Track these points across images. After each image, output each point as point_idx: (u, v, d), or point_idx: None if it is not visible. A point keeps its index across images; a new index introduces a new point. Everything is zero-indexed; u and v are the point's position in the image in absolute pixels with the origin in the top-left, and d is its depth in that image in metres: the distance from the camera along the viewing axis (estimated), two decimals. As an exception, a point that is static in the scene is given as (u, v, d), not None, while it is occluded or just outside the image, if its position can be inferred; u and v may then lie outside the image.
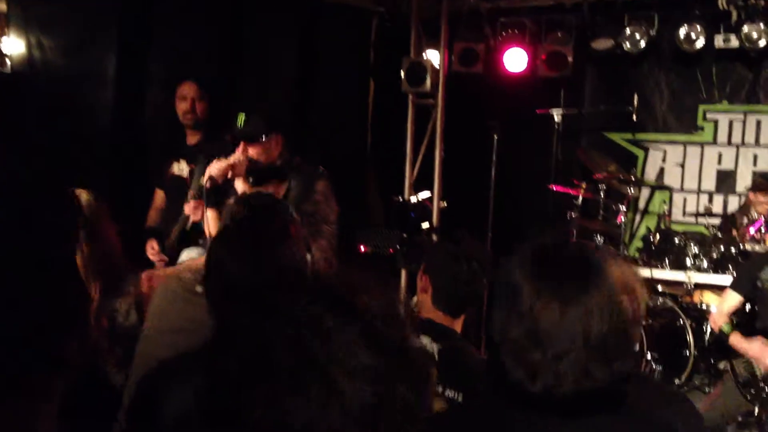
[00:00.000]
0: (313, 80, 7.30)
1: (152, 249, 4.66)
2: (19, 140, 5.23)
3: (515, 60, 7.07)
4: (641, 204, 7.11)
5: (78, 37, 5.66)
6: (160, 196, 5.12)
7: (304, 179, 4.00)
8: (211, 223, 3.79)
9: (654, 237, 6.24)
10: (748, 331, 4.46)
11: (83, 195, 2.98)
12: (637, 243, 6.96)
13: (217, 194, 3.85)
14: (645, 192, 7.12)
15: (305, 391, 1.06)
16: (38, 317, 1.63)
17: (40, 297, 1.64)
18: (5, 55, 5.34)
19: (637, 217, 7.15)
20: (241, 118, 3.94)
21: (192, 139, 5.08)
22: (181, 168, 5.02)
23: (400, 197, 7.08)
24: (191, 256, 4.23)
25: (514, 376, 1.61)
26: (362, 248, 7.18)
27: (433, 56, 7.05)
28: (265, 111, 4.19)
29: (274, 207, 2.94)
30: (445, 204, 7.04)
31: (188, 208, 4.37)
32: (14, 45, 5.32)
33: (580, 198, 6.50)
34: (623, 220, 6.29)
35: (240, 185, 3.92)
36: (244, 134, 3.98)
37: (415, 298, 3.13)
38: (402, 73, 6.84)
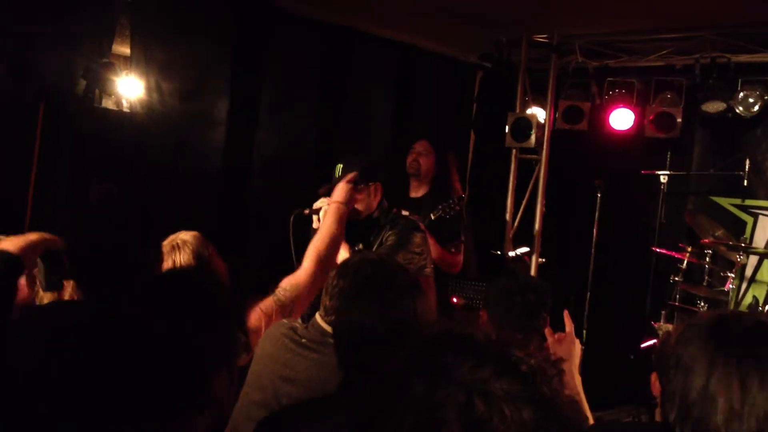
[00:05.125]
0: (410, 130, 7.34)
1: None
2: (129, 178, 5.41)
3: (621, 119, 6.99)
4: (748, 272, 6.85)
5: (194, 82, 5.85)
6: None
7: (401, 231, 3.94)
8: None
9: (764, 307, 6.02)
10: None
11: (188, 236, 2.93)
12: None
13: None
14: (753, 260, 6.86)
15: None
16: (193, 359, 1.65)
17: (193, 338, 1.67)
18: (123, 96, 5.53)
19: (743, 285, 6.89)
20: (339, 168, 3.87)
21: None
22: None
23: (498, 251, 7.02)
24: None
25: None
26: (455, 300, 7.13)
27: (536, 112, 7.02)
28: (363, 160, 4.05)
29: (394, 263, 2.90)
30: (543, 260, 6.95)
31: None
32: (133, 87, 5.50)
33: (685, 262, 6.36)
34: (731, 287, 6.10)
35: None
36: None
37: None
38: (507, 128, 6.82)
